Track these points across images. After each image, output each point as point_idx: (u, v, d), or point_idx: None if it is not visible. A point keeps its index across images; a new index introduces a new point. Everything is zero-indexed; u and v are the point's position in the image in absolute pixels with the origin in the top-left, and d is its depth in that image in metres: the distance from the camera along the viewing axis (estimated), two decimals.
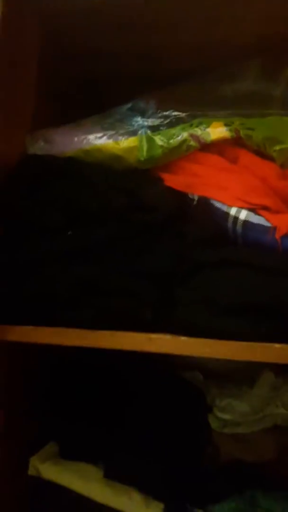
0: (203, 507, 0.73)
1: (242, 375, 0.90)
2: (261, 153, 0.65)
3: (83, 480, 0.68)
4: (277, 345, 0.47)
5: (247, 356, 0.47)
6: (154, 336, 0.51)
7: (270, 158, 0.64)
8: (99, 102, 0.74)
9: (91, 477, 0.69)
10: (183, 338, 0.50)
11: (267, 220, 0.54)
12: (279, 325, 0.49)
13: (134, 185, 0.62)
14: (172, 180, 0.62)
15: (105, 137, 0.63)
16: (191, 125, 0.64)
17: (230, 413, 0.80)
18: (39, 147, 0.64)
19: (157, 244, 0.57)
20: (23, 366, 0.73)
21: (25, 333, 0.54)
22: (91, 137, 0.64)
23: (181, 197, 0.60)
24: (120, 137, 0.63)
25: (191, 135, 0.63)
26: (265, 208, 0.56)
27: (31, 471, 0.70)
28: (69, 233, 0.57)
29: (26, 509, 0.72)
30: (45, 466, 0.70)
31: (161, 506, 0.67)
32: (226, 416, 0.80)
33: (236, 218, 0.56)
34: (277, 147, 0.63)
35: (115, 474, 0.68)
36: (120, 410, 0.74)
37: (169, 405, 0.78)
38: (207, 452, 0.77)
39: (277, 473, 0.74)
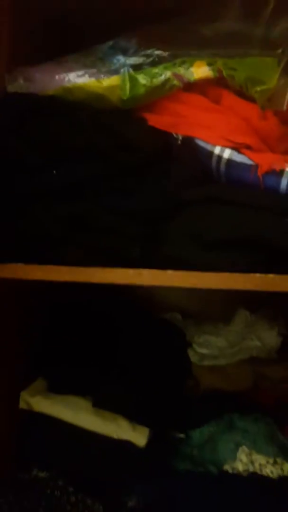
0: (184, 431, 0.80)
1: (218, 315, 0.95)
2: (243, 94, 0.66)
3: (72, 411, 0.72)
4: (257, 275, 0.50)
5: (230, 285, 0.50)
6: (144, 271, 0.53)
7: (251, 99, 0.65)
8: (78, 41, 0.71)
9: (80, 408, 0.73)
10: (170, 271, 0.52)
11: (250, 158, 0.56)
12: (260, 257, 0.52)
13: (117, 124, 0.62)
14: (156, 120, 0.62)
15: (86, 75, 0.62)
16: (174, 64, 0.64)
17: (208, 348, 0.86)
18: (19, 85, 0.63)
19: (143, 183, 0.58)
20: (14, 305, 0.75)
21: (17, 270, 0.55)
22: (72, 75, 0.62)
23: (165, 136, 0.61)
24: (102, 75, 0.62)
25: (174, 74, 0.63)
26: (248, 147, 0.58)
27: (22, 405, 0.74)
28: (54, 172, 0.57)
29: (18, 442, 0.76)
30: (35, 399, 0.73)
31: (146, 430, 0.72)
32: (204, 351, 0.85)
33: (219, 157, 0.57)
34: (258, 88, 0.64)
35: (103, 403, 0.72)
36: (107, 347, 0.77)
37: (152, 341, 0.82)
38: (188, 383, 0.83)
39: (252, 399, 0.81)
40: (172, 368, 0.79)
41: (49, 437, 0.72)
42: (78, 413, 0.72)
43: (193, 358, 0.84)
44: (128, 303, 0.90)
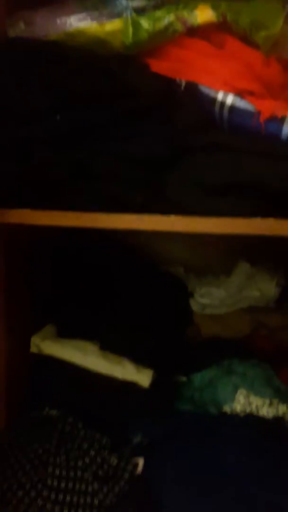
0: (186, 375, 0.84)
1: (220, 269, 0.98)
2: (246, 41, 0.65)
3: (81, 354, 0.76)
4: (258, 220, 0.52)
5: (231, 230, 0.52)
6: (145, 216, 0.55)
7: (255, 46, 0.64)
8: None
9: (88, 351, 0.77)
10: (172, 216, 0.54)
11: (252, 104, 0.56)
12: (260, 202, 0.53)
13: (120, 70, 0.62)
14: (159, 66, 0.62)
15: (88, 18, 0.61)
16: (177, 7, 0.63)
17: (209, 298, 0.89)
18: (19, 30, 0.62)
19: (146, 129, 0.59)
20: (23, 254, 0.77)
21: (23, 215, 0.57)
22: (74, 18, 0.61)
23: (168, 82, 0.61)
24: (104, 18, 0.61)
25: (178, 18, 0.62)
26: (251, 93, 0.58)
27: (32, 349, 0.78)
28: (57, 117, 0.58)
29: (30, 384, 0.80)
30: (45, 343, 0.77)
31: (150, 372, 0.76)
32: (206, 301, 0.88)
33: (222, 103, 0.57)
34: (263, 33, 0.63)
35: (110, 346, 0.76)
36: (113, 294, 0.80)
37: (155, 290, 0.85)
38: (189, 330, 0.87)
39: (251, 345, 0.84)
40: (174, 316, 0.83)
41: (59, 378, 0.76)
42: (86, 356, 0.76)
43: (195, 307, 0.87)
44: (133, 254, 0.92)
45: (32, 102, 0.58)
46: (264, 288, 0.85)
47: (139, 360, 0.77)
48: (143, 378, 0.75)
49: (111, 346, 0.76)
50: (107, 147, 0.58)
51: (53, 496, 0.63)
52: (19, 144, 0.59)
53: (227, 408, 0.80)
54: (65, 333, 0.80)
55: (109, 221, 0.55)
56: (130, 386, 0.75)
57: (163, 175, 0.58)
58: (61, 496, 0.63)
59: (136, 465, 0.70)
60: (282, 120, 0.55)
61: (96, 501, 0.64)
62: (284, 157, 0.53)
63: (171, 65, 0.61)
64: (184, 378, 0.84)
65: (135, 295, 0.82)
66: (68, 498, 0.63)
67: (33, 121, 0.57)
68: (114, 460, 0.70)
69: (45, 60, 0.59)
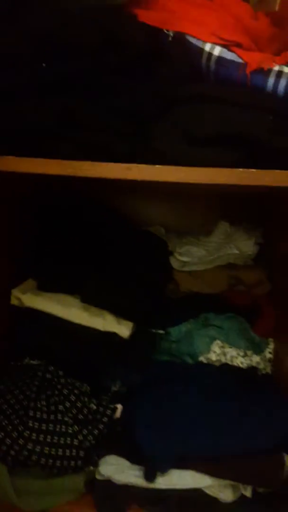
0: (164, 328, 0.87)
1: (200, 231, 1.00)
2: None
3: (62, 306, 0.77)
4: (240, 170, 0.53)
5: (215, 179, 0.53)
6: (133, 165, 0.55)
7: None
8: None
9: (69, 304, 0.78)
10: (158, 166, 0.55)
11: (239, 56, 0.57)
12: (243, 153, 0.55)
13: (108, 20, 0.60)
14: (147, 16, 0.61)
15: None
16: None
17: (189, 256, 0.91)
18: None
19: (133, 80, 0.58)
20: (6, 208, 0.77)
21: (8, 162, 0.56)
22: None
23: (156, 33, 0.60)
24: None
25: None
26: (238, 45, 0.58)
27: (13, 301, 0.78)
28: (43, 65, 0.57)
29: (10, 336, 0.82)
30: (26, 296, 0.78)
31: (130, 324, 0.78)
32: (185, 259, 0.90)
33: (210, 54, 0.57)
34: None
35: (91, 299, 0.77)
36: (94, 250, 0.81)
37: (137, 248, 0.86)
38: (169, 286, 0.89)
39: (228, 301, 0.88)
40: (154, 271, 0.84)
41: (40, 329, 0.78)
42: (67, 308, 0.77)
43: (174, 264, 0.89)
44: (116, 214, 0.93)
45: (17, 49, 0.56)
46: (243, 246, 0.87)
47: (119, 313, 0.79)
48: (123, 329, 0.77)
49: (93, 299, 0.78)
50: (93, 97, 0.58)
51: (33, 436, 0.65)
52: (3, 90, 0.58)
53: (202, 359, 0.84)
54: (46, 287, 0.80)
55: (94, 170, 0.55)
56: (110, 337, 0.77)
57: (149, 126, 0.58)
58: (41, 437, 0.66)
59: (114, 409, 0.73)
60: (267, 72, 0.55)
61: (76, 442, 0.67)
62: (268, 109, 0.55)
63: (159, 15, 0.61)
64: (162, 331, 0.87)
65: (116, 251, 0.83)
66: (48, 438, 0.66)
67: (18, 67, 0.56)
68: (93, 405, 0.72)
69: (31, 5, 0.57)
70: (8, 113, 0.58)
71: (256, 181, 0.53)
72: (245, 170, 0.53)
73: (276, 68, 0.56)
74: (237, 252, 0.87)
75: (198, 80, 0.58)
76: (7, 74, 0.57)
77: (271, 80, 0.55)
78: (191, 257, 0.90)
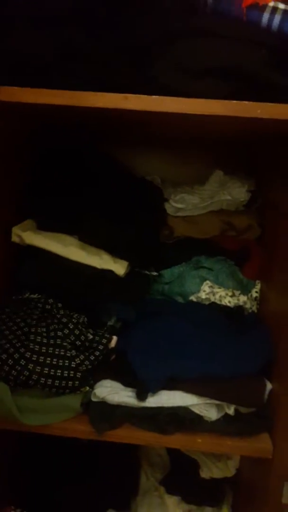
0: (157, 270, 0.91)
1: (194, 182, 1.03)
2: None
3: (61, 244, 0.81)
4: (234, 102, 0.56)
5: (209, 110, 0.56)
6: (130, 95, 0.58)
7: None
8: None
9: (68, 243, 0.82)
10: (155, 96, 0.57)
11: None
12: (237, 86, 0.57)
13: None
14: None
15: None
16: None
17: (183, 203, 0.94)
18: None
19: (132, 13, 0.60)
20: (5, 149, 0.79)
21: (10, 92, 0.59)
22: None
23: None
24: None
25: None
26: None
27: (13, 238, 0.82)
28: None
29: (10, 272, 0.85)
30: (27, 234, 0.81)
31: (125, 263, 0.82)
32: (179, 205, 0.93)
33: None
34: None
35: (89, 238, 0.81)
36: (94, 194, 0.84)
37: (134, 192, 0.90)
38: (164, 232, 0.93)
39: (219, 245, 0.91)
40: (149, 215, 0.88)
41: (40, 266, 0.81)
42: (66, 247, 0.81)
43: (169, 210, 0.93)
44: (114, 160, 0.95)
45: None
46: (235, 194, 0.91)
47: (115, 253, 0.82)
48: (119, 267, 0.81)
49: (90, 238, 0.81)
50: (93, 30, 0.60)
51: (34, 357, 0.70)
52: (4, 22, 0.59)
53: (193, 298, 0.88)
54: (45, 226, 0.84)
55: (95, 100, 0.58)
56: (106, 274, 0.81)
57: (147, 59, 0.60)
58: (41, 358, 0.71)
59: (110, 339, 0.78)
60: (263, 8, 0.57)
61: (73, 364, 0.72)
62: (262, 44, 0.57)
63: None
64: (155, 273, 0.91)
65: (114, 194, 0.86)
66: (48, 360, 0.71)
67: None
68: (89, 335, 0.77)
69: None
70: (9, 45, 0.60)
71: (249, 113, 0.55)
72: (239, 102, 0.56)
73: (271, 4, 0.58)
74: (229, 198, 0.90)
75: (195, 14, 0.60)
76: (8, 5, 0.58)
77: (266, 16, 0.57)
78: (185, 204, 0.93)
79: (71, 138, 0.93)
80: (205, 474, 0.94)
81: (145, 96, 0.57)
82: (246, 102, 0.56)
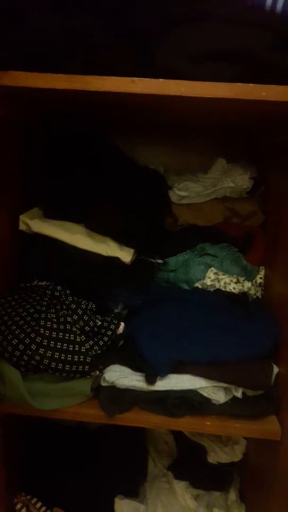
0: (162, 258, 0.92)
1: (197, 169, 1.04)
2: None
3: (68, 232, 0.82)
4: (239, 84, 0.57)
5: (214, 93, 0.57)
6: (136, 79, 0.58)
7: None
8: None
9: (75, 230, 0.82)
10: (161, 80, 0.58)
11: None
12: (241, 69, 0.58)
13: None
14: None
15: None
16: None
17: (187, 191, 0.95)
18: None
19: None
20: (14, 139, 0.80)
21: (17, 77, 0.59)
22: None
23: None
24: None
25: None
26: None
27: (21, 226, 0.82)
28: None
29: (19, 259, 0.86)
30: (34, 221, 0.82)
31: (131, 250, 0.83)
32: (183, 193, 0.94)
33: None
34: None
35: (96, 226, 0.81)
36: (99, 182, 0.85)
37: (138, 181, 0.90)
38: (168, 219, 0.93)
39: (223, 232, 0.92)
40: (154, 203, 0.89)
41: (46, 254, 0.82)
42: (73, 234, 0.82)
43: (173, 198, 0.93)
44: (119, 149, 0.96)
45: None
46: (238, 181, 0.91)
47: (121, 240, 0.83)
48: (125, 254, 0.82)
49: (96, 225, 0.82)
50: (95, 16, 0.60)
51: (45, 342, 0.71)
52: (11, 6, 0.60)
53: (198, 285, 0.89)
54: (52, 214, 0.84)
55: (101, 84, 0.58)
56: (113, 261, 0.82)
57: (152, 44, 0.61)
58: (52, 343, 0.71)
59: (118, 325, 0.79)
60: None
61: (83, 349, 0.73)
62: (267, 27, 0.57)
63: None
64: (160, 261, 0.92)
65: (119, 182, 0.87)
66: (58, 345, 0.72)
67: None
68: (98, 321, 0.78)
69: None
70: (16, 30, 0.60)
71: (254, 95, 0.56)
72: (244, 84, 0.56)
73: None
74: (233, 185, 0.91)
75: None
76: None
77: None
78: (189, 192, 0.94)
79: (75, 127, 0.94)
80: (212, 459, 0.95)
81: (152, 79, 0.58)
82: (252, 85, 0.56)
